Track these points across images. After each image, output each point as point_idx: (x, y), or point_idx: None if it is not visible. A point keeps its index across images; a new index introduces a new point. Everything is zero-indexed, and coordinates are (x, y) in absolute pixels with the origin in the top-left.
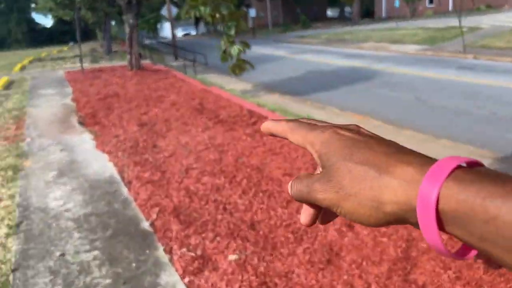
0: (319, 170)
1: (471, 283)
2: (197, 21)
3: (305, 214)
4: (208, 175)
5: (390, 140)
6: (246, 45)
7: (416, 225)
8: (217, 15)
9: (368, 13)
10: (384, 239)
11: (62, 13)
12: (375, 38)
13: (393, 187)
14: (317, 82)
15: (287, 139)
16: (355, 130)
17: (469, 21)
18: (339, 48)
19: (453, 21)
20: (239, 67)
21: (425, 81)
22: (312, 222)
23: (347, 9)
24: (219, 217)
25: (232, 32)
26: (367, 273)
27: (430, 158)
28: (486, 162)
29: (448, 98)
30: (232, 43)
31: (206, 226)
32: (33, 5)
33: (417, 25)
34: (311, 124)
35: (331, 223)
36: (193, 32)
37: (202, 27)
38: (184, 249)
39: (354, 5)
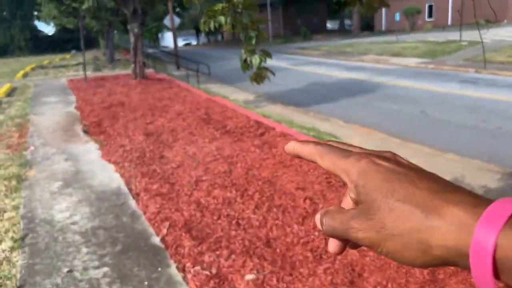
0: (348, 194)
1: None
2: (198, 30)
3: (334, 243)
4: (219, 188)
5: (430, 173)
6: (267, 54)
7: (466, 268)
8: (238, 25)
9: (368, 26)
10: None
11: (66, 21)
12: (375, 50)
13: (441, 231)
14: (319, 94)
15: (315, 163)
16: (392, 159)
17: (469, 35)
18: (340, 60)
19: (452, 35)
20: (260, 76)
21: (427, 94)
22: (342, 251)
23: (347, 21)
24: (233, 233)
25: (253, 41)
26: None
27: (478, 196)
28: (495, 178)
29: (451, 112)
30: (253, 52)
31: (219, 242)
32: (36, 13)
33: (417, 38)
34: (343, 150)
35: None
36: (194, 42)
37: (202, 37)
38: (198, 267)
39: (354, 18)
